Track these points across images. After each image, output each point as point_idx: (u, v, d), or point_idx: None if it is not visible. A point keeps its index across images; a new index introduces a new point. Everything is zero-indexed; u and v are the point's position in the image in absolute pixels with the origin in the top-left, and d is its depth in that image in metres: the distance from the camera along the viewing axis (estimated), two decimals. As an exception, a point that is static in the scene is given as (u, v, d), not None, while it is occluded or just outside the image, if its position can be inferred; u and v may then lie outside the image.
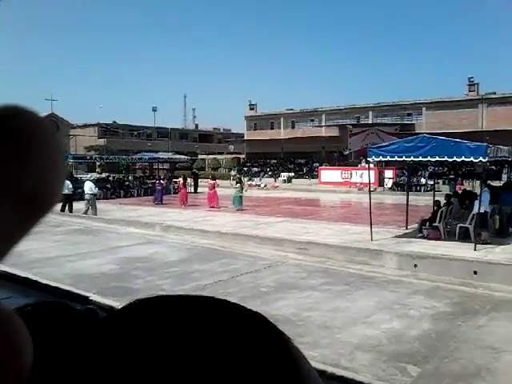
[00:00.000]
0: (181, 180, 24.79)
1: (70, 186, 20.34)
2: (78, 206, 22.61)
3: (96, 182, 30.77)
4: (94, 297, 8.12)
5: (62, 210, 19.79)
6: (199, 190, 31.58)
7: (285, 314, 7.14)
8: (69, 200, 20.10)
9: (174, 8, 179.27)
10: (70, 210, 20.10)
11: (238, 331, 0.29)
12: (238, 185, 20.96)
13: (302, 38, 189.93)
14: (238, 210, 20.19)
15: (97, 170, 44.86)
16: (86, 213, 18.46)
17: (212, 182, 22.42)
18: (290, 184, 42.29)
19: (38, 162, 0.21)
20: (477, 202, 12.10)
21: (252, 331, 0.29)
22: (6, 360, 0.21)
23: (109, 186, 30.15)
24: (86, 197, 18.73)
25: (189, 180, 29.56)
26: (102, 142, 65.66)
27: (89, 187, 18.87)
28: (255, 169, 51.44)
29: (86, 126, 69.54)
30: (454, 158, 11.97)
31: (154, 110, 66.20)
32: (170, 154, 44.43)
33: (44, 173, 0.21)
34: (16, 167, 0.21)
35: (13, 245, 0.22)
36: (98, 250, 12.41)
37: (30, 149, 0.21)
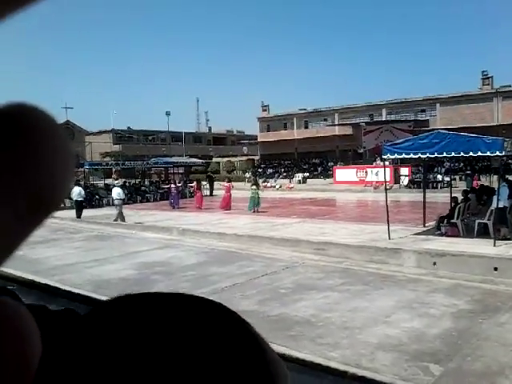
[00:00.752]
0: (195, 184, 24.98)
1: (83, 192, 21.09)
2: (96, 212, 22.87)
3: (113, 188, 31.16)
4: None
5: (78, 216, 20.43)
6: (215, 192, 31.69)
7: (304, 316, 7.14)
8: (81, 206, 20.74)
9: (185, 11, 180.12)
10: (79, 216, 20.58)
11: (206, 324, 0.30)
12: (254, 186, 20.97)
13: (312, 37, 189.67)
14: (254, 211, 20.20)
15: (113, 176, 45.21)
16: (116, 220, 18.47)
17: (227, 184, 22.47)
18: (304, 184, 42.24)
19: (47, 160, 0.21)
20: (495, 198, 11.96)
21: (218, 323, 0.30)
22: (15, 350, 0.21)
23: (125, 191, 30.41)
24: (115, 202, 18.89)
25: (204, 183, 29.70)
26: (117, 148, 66.24)
27: (117, 193, 19.05)
28: (270, 170, 51.44)
29: (100, 132, 70.28)
30: (470, 154, 11.85)
31: (168, 114, 66.68)
32: (184, 157, 44.67)
33: (52, 172, 0.21)
34: (25, 165, 0.20)
35: (19, 242, 0.22)
36: (116, 255, 12.52)
37: (40, 147, 0.21)
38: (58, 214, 22.15)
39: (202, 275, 9.96)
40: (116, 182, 21.00)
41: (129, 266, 11.16)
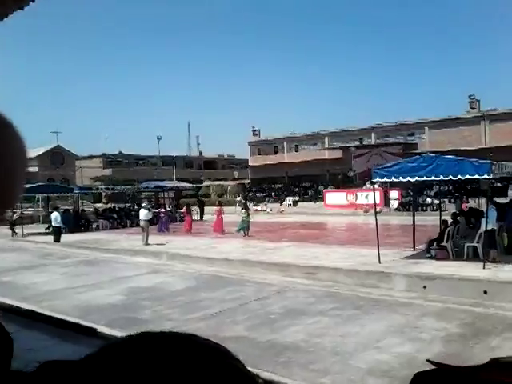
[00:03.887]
0: (185, 208, 24.96)
1: (59, 219, 21.79)
2: (85, 237, 22.68)
3: (102, 212, 31.04)
4: (101, 328, 8.06)
5: (55, 240, 21.15)
6: (205, 217, 31.61)
7: (294, 341, 7.07)
8: (58, 232, 21.46)
9: (175, 36, 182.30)
10: (58, 240, 21.13)
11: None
12: (244, 210, 20.93)
13: (301, 62, 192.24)
14: (244, 236, 20.12)
15: (103, 200, 45.06)
16: (146, 242, 18.52)
17: (217, 208, 22.41)
18: (295, 208, 42.24)
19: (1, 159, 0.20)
20: (483, 220, 12.02)
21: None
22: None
23: (115, 215, 30.25)
24: (142, 223, 19.00)
25: (194, 207, 29.63)
26: (107, 172, 66.19)
27: (144, 214, 19.19)
28: (260, 194, 51.50)
29: (91, 157, 70.26)
30: (459, 177, 11.95)
31: (159, 138, 66.77)
32: (175, 181, 44.63)
33: (5, 171, 0.20)
34: None
35: None
36: (105, 280, 12.39)
37: None
38: (46, 239, 22.05)
39: (191, 300, 9.87)
40: (144, 204, 21.59)
41: (118, 291, 11.04)
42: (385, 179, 13.30)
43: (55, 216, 21.84)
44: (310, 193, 48.17)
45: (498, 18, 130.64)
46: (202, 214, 32.92)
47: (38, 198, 35.99)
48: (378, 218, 13.54)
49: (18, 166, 0.19)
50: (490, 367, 0.53)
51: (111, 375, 0.29)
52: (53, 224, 21.94)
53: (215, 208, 23.03)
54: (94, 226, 27.59)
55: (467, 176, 11.70)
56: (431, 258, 12.55)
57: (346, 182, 45.19)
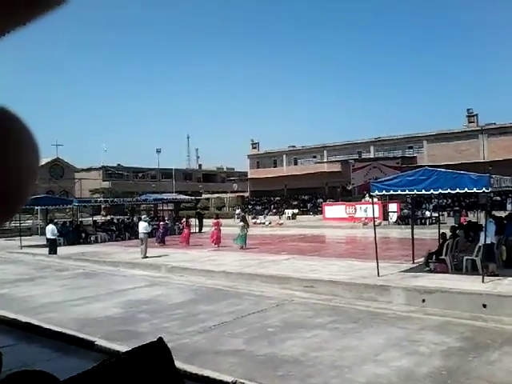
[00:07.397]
0: (185, 221, 24.98)
1: (55, 231, 21.89)
2: (84, 249, 22.63)
3: (101, 224, 31.00)
4: (99, 341, 8.02)
5: (50, 252, 21.18)
6: (204, 229, 31.58)
7: (293, 355, 7.03)
8: (53, 244, 21.50)
9: (174, 49, 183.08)
10: (54, 252, 21.12)
11: None
12: (242, 223, 20.89)
13: (301, 74, 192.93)
14: (242, 248, 20.05)
15: (102, 212, 45.02)
16: (145, 255, 18.59)
17: (215, 221, 22.38)
18: (294, 221, 42.20)
19: (13, 160, 0.20)
20: (482, 234, 12.02)
21: None
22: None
23: (114, 228, 30.20)
24: (141, 236, 19.14)
25: (193, 220, 29.63)
26: (106, 184, 66.24)
27: (143, 227, 19.35)
28: (259, 206, 51.50)
29: (90, 169, 70.33)
30: (457, 190, 11.97)
31: (158, 151, 66.99)
32: (174, 194, 44.65)
33: (18, 172, 0.20)
34: None
35: None
36: (103, 293, 12.34)
37: (5, 144, 0.20)
38: (44, 251, 21.97)
39: (189, 314, 9.83)
40: (143, 216, 21.62)
41: (116, 304, 10.99)
42: (383, 192, 13.31)
43: (52, 228, 21.78)
44: (308, 206, 48.18)
45: (498, 30, 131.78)
46: (200, 226, 32.88)
47: (37, 210, 35.97)
48: (376, 231, 13.54)
49: (28, 163, 0.19)
50: None
51: None
52: (48, 236, 21.92)
53: (213, 221, 23.00)
54: (93, 238, 27.53)
55: (466, 189, 11.72)
56: (430, 271, 12.53)
57: (345, 195, 45.23)
